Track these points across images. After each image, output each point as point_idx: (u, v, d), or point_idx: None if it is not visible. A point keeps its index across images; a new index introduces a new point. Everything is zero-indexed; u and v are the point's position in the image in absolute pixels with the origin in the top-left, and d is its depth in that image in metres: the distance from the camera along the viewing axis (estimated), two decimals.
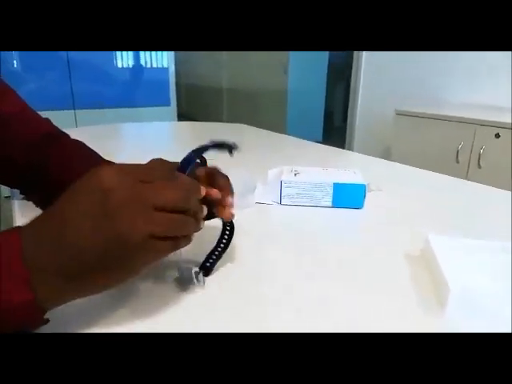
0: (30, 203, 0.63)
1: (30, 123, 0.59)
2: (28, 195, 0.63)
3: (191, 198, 0.34)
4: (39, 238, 0.30)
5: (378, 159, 1.03)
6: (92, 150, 0.59)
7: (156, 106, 2.96)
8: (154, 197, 0.31)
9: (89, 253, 0.29)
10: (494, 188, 0.78)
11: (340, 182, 0.64)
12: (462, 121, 1.89)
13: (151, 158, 0.44)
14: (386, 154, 2.37)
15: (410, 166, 0.95)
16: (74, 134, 0.62)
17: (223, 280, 0.43)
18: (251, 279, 0.44)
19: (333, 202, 0.65)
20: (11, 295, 0.28)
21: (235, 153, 0.41)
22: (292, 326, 0.36)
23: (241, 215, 0.47)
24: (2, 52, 2.40)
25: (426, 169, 0.91)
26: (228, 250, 0.46)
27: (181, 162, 0.38)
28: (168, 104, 2.99)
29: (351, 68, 3.04)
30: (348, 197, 0.64)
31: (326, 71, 4.59)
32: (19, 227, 0.30)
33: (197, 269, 0.41)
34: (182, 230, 0.33)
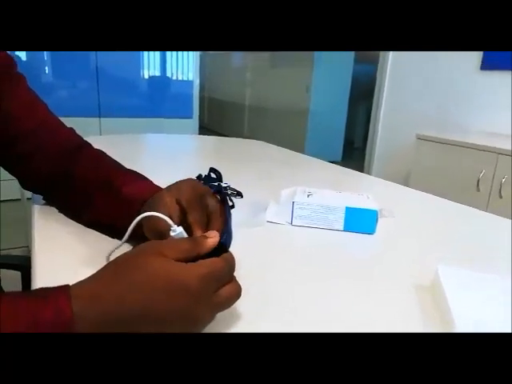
0: (49, 207, 0.65)
1: (56, 134, 0.61)
2: (51, 201, 0.65)
3: (233, 268, 0.36)
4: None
5: (394, 184, 1.02)
6: (113, 160, 0.60)
7: (179, 117, 3.01)
8: (217, 282, 0.34)
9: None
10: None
11: (352, 206, 0.64)
12: (484, 149, 1.87)
13: (182, 179, 0.47)
14: (406, 179, 2.35)
15: (430, 191, 0.94)
16: (99, 141, 0.64)
17: None
18: (255, 299, 0.44)
19: (344, 225, 0.65)
20: None
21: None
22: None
23: (251, 233, 0.48)
24: (34, 59, 2.50)
25: (446, 196, 0.90)
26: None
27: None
28: (191, 116, 3.04)
29: (374, 89, 3.04)
30: (360, 221, 0.64)
31: (349, 91, 4.60)
32: (69, 292, 0.30)
33: None
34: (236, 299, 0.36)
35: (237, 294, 0.36)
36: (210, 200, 0.45)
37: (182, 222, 0.43)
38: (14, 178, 0.62)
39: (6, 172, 0.61)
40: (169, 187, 0.47)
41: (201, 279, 0.32)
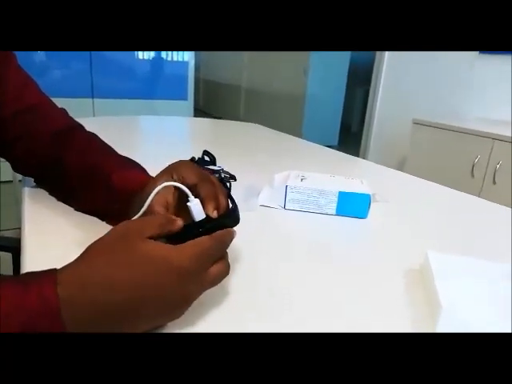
0: (40, 189, 0.64)
1: (48, 116, 0.60)
2: (41, 184, 0.65)
3: (225, 246, 0.37)
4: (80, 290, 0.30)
5: (389, 169, 1.02)
6: (105, 144, 0.59)
7: (173, 99, 2.97)
8: (207, 260, 0.34)
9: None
10: (504, 207, 0.77)
11: (345, 190, 0.64)
12: (479, 134, 1.86)
13: (179, 160, 0.46)
14: (401, 163, 2.35)
15: (424, 176, 0.94)
16: (92, 123, 0.63)
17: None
18: (248, 282, 0.45)
19: (337, 210, 0.65)
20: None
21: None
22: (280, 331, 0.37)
23: (244, 217, 0.48)
24: None
25: (440, 181, 0.90)
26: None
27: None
28: (185, 98, 3.01)
29: (371, 74, 3.01)
30: (352, 206, 0.64)
31: (346, 76, 4.56)
32: (56, 277, 0.29)
33: None
34: (223, 277, 0.36)
35: (226, 271, 0.36)
36: (212, 177, 0.44)
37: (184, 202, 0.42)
38: (3, 160, 0.61)
39: None
40: (164, 170, 0.45)
41: (191, 260, 0.32)
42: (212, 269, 0.35)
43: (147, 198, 0.39)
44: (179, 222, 0.35)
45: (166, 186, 0.39)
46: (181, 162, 0.45)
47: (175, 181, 0.42)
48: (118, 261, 0.31)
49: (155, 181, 0.43)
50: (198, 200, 0.39)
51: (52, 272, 0.30)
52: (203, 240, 0.34)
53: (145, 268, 0.31)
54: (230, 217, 0.40)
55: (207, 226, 0.37)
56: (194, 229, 0.37)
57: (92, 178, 0.52)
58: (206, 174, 0.43)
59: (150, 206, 0.39)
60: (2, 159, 0.61)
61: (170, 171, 0.43)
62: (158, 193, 0.39)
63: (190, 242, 0.33)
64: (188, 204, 0.39)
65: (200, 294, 0.35)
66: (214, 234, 0.35)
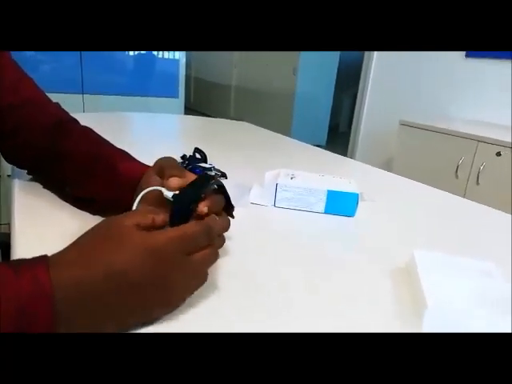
0: (31, 183, 0.64)
1: (43, 109, 0.60)
2: (35, 175, 0.65)
3: (211, 232, 0.37)
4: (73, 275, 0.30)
5: (376, 169, 1.04)
6: (100, 137, 0.60)
7: (164, 96, 2.96)
8: (188, 245, 0.35)
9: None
10: (489, 208, 0.79)
11: (333, 189, 0.65)
12: (464, 136, 1.90)
13: (161, 157, 0.50)
14: (388, 163, 2.38)
15: (410, 176, 0.96)
16: (82, 119, 0.63)
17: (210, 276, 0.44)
18: (237, 278, 0.46)
19: (325, 208, 0.66)
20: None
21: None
22: (268, 330, 0.38)
23: (235, 214, 0.49)
24: None
25: (425, 181, 0.93)
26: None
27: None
28: (176, 96, 3.00)
29: (360, 75, 3.04)
30: (340, 204, 0.66)
31: (335, 76, 4.59)
32: (47, 261, 0.30)
33: None
34: (210, 264, 0.38)
35: (212, 259, 0.37)
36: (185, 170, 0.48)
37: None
38: None
39: None
40: (151, 166, 0.50)
41: (169, 241, 0.33)
42: (196, 255, 0.35)
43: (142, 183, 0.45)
44: (162, 215, 0.37)
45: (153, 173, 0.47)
46: (163, 158, 0.50)
47: (159, 175, 0.47)
48: (106, 245, 0.32)
49: (148, 171, 0.49)
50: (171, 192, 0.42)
51: (43, 257, 0.31)
52: (187, 225, 0.35)
53: (130, 251, 0.32)
54: (198, 180, 0.43)
55: (180, 193, 0.40)
56: (175, 205, 0.39)
57: (96, 166, 0.53)
58: (178, 168, 0.47)
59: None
60: None
61: (154, 167, 0.49)
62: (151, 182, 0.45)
63: (174, 227, 0.35)
64: (164, 194, 0.42)
65: (186, 284, 0.35)
66: (200, 221, 0.37)
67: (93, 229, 0.35)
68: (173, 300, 0.36)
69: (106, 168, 0.53)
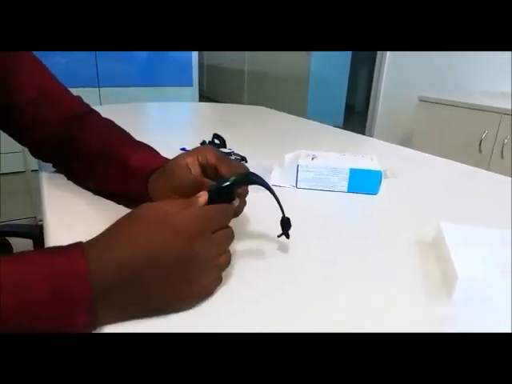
0: (56, 176, 0.66)
1: (63, 101, 0.62)
2: (59, 167, 0.66)
3: (228, 217, 0.39)
4: (105, 258, 0.32)
5: (396, 146, 1.03)
6: (121, 129, 0.61)
7: (178, 85, 2.97)
8: (211, 223, 0.36)
9: (162, 264, 0.33)
10: None
11: (356, 167, 0.65)
12: (486, 109, 1.85)
13: (200, 145, 0.50)
14: (408, 141, 2.34)
15: (432, 153, 0.95)
16: (100, 111, 0.65)
17: (237, 259, 0.45)
18: (263, 259, 0.46)
19: (348, 187, 0.66)
20: (74, 320, 0.30)
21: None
22: (298, 308, 0.38)
23: (255, 197, 0.49)
24: None
25: (448, 157, 0.91)
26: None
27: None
28: (190, 84, 3.00)
29: (376, 52, 2.97)
30: (363, 183, 0.65)
31: (351, 54, 4.50)
32: (82, 245, 0.32)
33: None
34: (230, 243, 0.39)
35: (231, 236, 0.39)
36: (230, 159, 0.49)
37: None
38: (14, 151, 0.63)
39: (7, 145, 0.62)
40: (187, 151, 0.50)
41: (194, 219, 0.35)
42: (219, 232, 0.37)
43: (171, 170, 0.45)
44: (200, 200, 0.38)
45: (192, 158, 0.46)
46: (204, 146, 0.50)
47: (199, 161, 0.46)
48: (135, 228, 0.34)
49: (182, 156, 0.47)
50: None
51: (78, 243, 0.32)
52: (209, 206, 0.38)
53: (156, 231, 0.33)
54: (244, 172, 0.44)
55: (227, 183, 0.41)
56: (219, 190, 0.40)
57: (110, 158, 0.54)
58: (225, 157, 0.47)
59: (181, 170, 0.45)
60: (9, 150, 0.63)
61: (195, 152, 0.47)
62: (188, 167, 0.45)
63: (195, 207, 0.37)
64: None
65: (214, 260, 0.36)
66: (217, 205, 0.38)
67: (127, 214, 0.36)
68: (205, 276, 0.36)
69: (116, 162, 0.53)
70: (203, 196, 0.38)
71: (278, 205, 0.44)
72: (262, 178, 0.43)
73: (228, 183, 0.40)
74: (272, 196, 0.44)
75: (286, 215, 0.45)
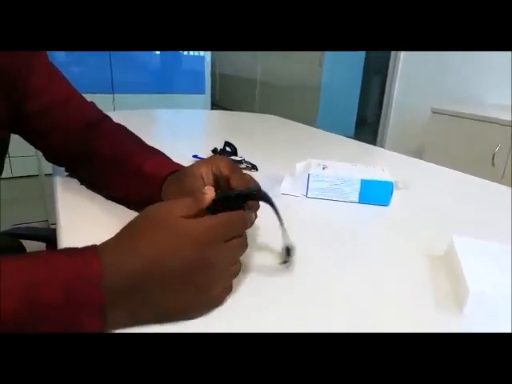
0: (70, 180, 0.67)
1: (79, 108, 0.63)
2: (72, 172, 0.67)
3: (243, 226, 0.39)
4: (119, 261, 0.32)
5: (408, 157, 1.02)
6: (134, 135, 0.62)
7: (191, 93, 3.00)
8: (224, 232, 0.36)
9: (173, 269, 0.33)
10: None
11: (367, 178, 0.65)
12: (500, 122, 1.83)
13: (213, 154, 0.51)
14: (419, 153, 2.32)
15: (444, 165, 0.94)
16: (113, 117, 0.66)
17: (246, 267, 0.45)
18: (273, 268, 0.46)
19: (359, 197, 0.66)
20: (83, 324, 0.30)
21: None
22: (306, 319, 0.38)
23: (266, 205, 0.49)
24: None
25: (460, 170, 0.90)
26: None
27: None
28: (203, 92, 3.03)
29: (388, 63, 2.97)
30: (375, 193, 0.65)
31: (362, 65, 4.50)
32: (97, 249, 0.32)
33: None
34: (242, 252, 0.39)
35: (245, 245, 0.39)
36: (242, 171, 0.49)
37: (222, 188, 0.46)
38: (27, 154, 0.64)
39: (20, 149, 0.63)
40: (202, 160, 0.50)
41: (207, 229, 0.35)
42: (233, 241, 0.36)
43: (185, 177, 0.46)
44: (207, 197, 0.38)
45: (206, 168, 0.47)
46: (217, 156, 0.51)
47: (213, 171, 0.47)
48: (147, 235, 0.34)
49: (197, 165, 0.48)
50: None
51: (93, 246, 0.33)
52: (223, 214, 0.37)
53: (167, 240, 0.33)
54: (254, 187, 0.45)
55: (236, 192, 0.41)
56: (226, 197, 0.40)
57: (124, 166, 0.55)
58: (237, 167, 0.48)
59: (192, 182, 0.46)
60: (22, 154, 0.64)
61: (209, 162, 0.48)
62: (201, 177, 0.46)
63: (210, 216, 0.36)
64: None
65: (227, 266, 0.36)
66: (232, 212, 0.38)
67: (139, 216, 0.36)
68: (216, 283, 0.36)
69: (130, 169, 0.54)
70: (209, 193, 0.38)
71: (281, 228, 0.44)
72: (270, 198, 0.43)
73: (234, 194, 0.41)
74: (278, 212, 0.44)
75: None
